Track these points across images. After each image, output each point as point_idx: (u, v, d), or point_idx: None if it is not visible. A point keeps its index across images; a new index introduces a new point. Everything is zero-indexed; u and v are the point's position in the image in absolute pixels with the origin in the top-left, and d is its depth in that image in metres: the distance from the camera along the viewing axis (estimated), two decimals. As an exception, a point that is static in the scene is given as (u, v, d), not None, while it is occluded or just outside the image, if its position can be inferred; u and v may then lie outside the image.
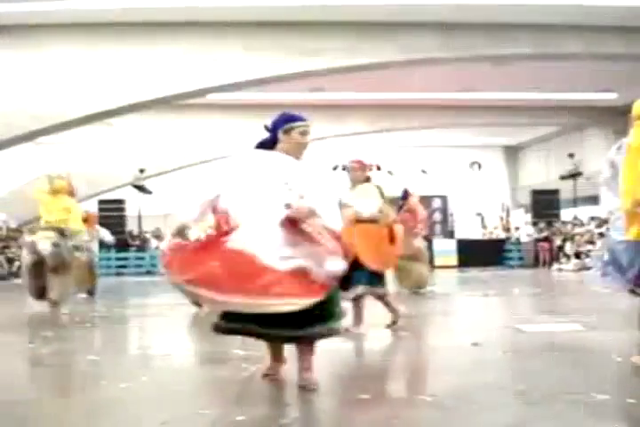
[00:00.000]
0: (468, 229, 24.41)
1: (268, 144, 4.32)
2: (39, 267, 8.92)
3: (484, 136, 25.76)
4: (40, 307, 9.17)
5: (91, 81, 12.94)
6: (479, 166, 28.06)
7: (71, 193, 9.68)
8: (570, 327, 6.59)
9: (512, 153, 28.89)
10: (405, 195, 11.35)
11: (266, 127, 4.40)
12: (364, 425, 3.41)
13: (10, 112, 12.62)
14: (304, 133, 4.30)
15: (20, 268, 18.82)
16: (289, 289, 3.86)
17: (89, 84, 12.94)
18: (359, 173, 6.59)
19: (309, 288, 3.92)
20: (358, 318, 6.46)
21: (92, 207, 20.08)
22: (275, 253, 3.94)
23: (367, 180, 6.66)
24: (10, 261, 18.85)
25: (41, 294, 9.03)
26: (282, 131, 4.29)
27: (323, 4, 12.35)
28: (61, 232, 9.05)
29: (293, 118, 4.35)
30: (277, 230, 4.01)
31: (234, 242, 3.95)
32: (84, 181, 20.02)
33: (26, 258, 9.13)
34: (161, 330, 7.93)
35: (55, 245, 8.86)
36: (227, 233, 4.02)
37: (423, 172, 26.41)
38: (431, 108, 20.55)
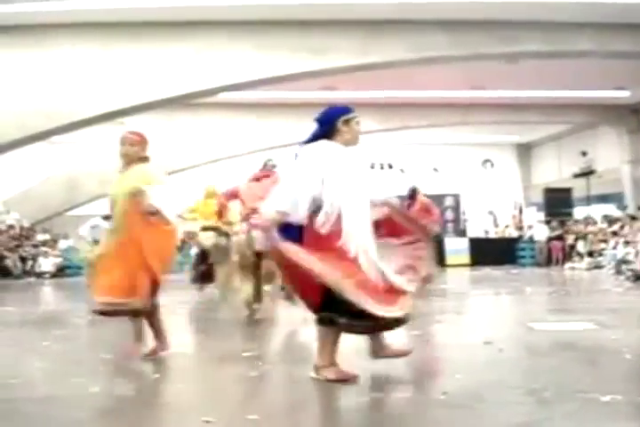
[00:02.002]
0: (481, 228, 24.37)
1: (327, 136, 4.39)
2: (203, 257, 10.95)
3: (496, 134, 25.66)
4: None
5: (103, 80, 12.98)
6: (491, 164, 27.98)
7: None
8: (582, 326, 6.57)
9: (524, 151, 28.77)
10: (413, 193, 11.32)
11: (319, 120, 4.47)
12: (376, 423, 3.41)
13: (23, 112, 12.67)
14: (358, 123, 4.48)
15: (32, 266, 18.93)
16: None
17: (101, 84, 12.98)
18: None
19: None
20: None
21: (106, 206, 20.16)
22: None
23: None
24: (23, 260, 18.92)
25: (202, 279, 11.05)
26: (341, 121, 4.40)
27: (333, 2, 12.34)
28: (219, 231, 10.58)
29: (349, 109, 4.50)
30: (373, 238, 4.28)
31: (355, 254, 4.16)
32: (96, 180, 20.10)
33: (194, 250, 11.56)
34: (171, 328, 7.94)
35: (215, 243, 10.47)
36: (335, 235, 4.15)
37: (435, 170, 26.43)
38: (442, 107, 20.49)
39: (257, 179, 7.95)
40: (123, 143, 5.31)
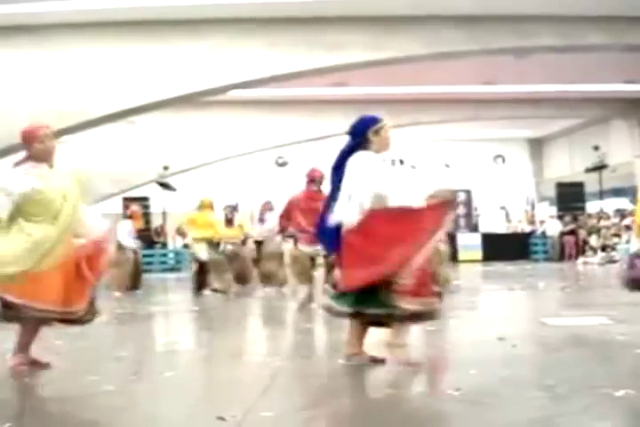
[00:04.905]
0: (493, 223, 24.30)
1: (361, 147, 4.65)
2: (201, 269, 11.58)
3: (507, 129, 25.59)
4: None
5: (114, 79, 12.99)
6: (503, 160, 27.91)
7: (212, 207, 11.99)
8: (596, 321, 6.55)
9: (536, 146, 28.69)
10: None
11: (351, 133, 4.74)
12: (390, 420, 3.41)
13: (35, 111, 12.69)
14: (387, 130, 4.74)
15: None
16: None
17: (112, 83, 12.99)
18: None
19: None
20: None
21: (117, 205, 20.27)
22: None
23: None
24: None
25: (200, 288, 11.55)
26: (372, 132, 4.66)
27: (345, -2, 12.31)
28: (210, 242, 11.57)
29: (377, 119, 4.75)
30: None
31: None
32: (108, 179, 20.17)
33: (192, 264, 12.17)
34: (186, 326, 7.98)
35: (209, 253, 11.47)
36: None
37: (447, 166, 26.37)
38: (454, 102, 20.44)
39: (311, 197, 8.29)
40: (52, 138, 4.94)
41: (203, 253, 11.48)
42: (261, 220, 12.62)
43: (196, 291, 11.60)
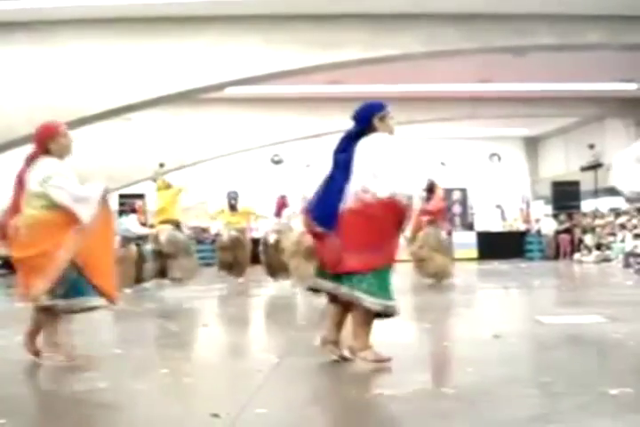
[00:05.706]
0: (488, 222, 24.33)
1: (365, 133, 4.61)
2: (159, 253, 11.25)
3: (503, 127, 25.59)
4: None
5: (110, 76, 12.97)
6: (499, 158, 27.91)
7: (168, 187, 11.82)
8: (591, 319, 6.56)
9: (532, 144, 28.70)
10: (432, 187, 11.36)
11: (356, 118, 4.67)
12: (385, 418, 3.42)
13: (32, 107, 12.68)
14: (392, 118, 4.74)
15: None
16: None
17: (108, 80, 12.97)
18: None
19: None
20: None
21: (113, 202, 20.22)
22: None
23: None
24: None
25: (161, 274, 11.31)
26: (377, 118, 4.64)
27: (342, -4, 12.30)
28: (177, 224, 11.41)
29: (384, 105, 4.73)
30: None
31: None
32: (103, 176, 20.12)
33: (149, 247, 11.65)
34: (181, 323, 7.96)
35: (171, 235, 11.13)
36: None
37: (442, 164, 26.35)
38: (450, 100, 20.44)
39: None
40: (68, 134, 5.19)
41: (163, 234, 11.17)
42: (278, 215, 12.65)
43: (153, 278, 11.44)
